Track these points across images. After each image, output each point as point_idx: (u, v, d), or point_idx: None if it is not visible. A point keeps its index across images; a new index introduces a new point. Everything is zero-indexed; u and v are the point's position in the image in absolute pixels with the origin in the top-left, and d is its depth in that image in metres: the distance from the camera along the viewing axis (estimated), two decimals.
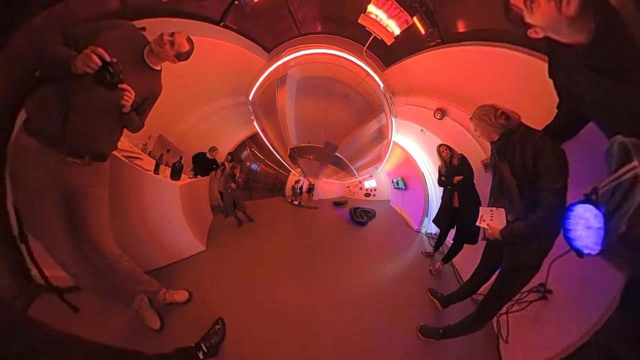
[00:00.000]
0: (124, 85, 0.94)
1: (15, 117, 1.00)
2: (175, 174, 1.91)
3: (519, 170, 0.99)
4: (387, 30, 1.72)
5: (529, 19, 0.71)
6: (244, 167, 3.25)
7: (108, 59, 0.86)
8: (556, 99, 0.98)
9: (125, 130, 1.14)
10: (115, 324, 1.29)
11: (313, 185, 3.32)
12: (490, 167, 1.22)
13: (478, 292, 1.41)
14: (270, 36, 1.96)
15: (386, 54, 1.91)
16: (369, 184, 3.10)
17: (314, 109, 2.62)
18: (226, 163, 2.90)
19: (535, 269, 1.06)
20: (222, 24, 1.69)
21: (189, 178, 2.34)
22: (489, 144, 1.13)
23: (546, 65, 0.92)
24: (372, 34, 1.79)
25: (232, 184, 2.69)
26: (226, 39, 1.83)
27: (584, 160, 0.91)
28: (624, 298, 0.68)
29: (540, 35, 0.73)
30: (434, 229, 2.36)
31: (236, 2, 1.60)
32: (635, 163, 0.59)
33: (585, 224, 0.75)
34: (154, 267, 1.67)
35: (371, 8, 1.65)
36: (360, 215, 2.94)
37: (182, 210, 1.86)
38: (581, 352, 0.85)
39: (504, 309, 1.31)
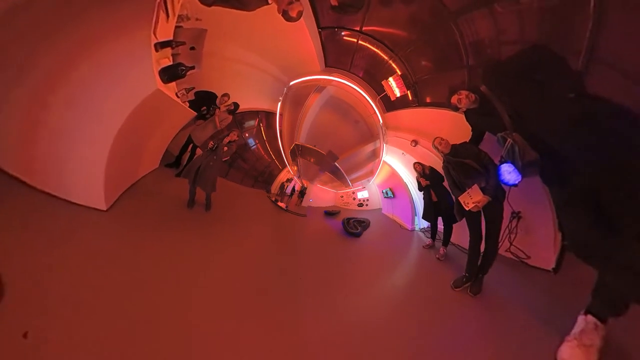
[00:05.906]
0: None
1: None
2: (171, 74, 1.39)
3: (470, 158, 2.00)
4: (394, 92, 3.18)
5: (459, 106, 1.96)
6: (241, 137, 2.70)
7: None
8: (469, 129, 2.26)
9: None
10: None
11: (306, 188, 3.02)
12: (444, 169, 2.19)
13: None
14: (334, 58, 3.11)
15: (389, 104, 3.31)
16: (362, 194, 3.27)
17: (330, 120, 3.35)
18: (218, 111, 2.28)
19: (503, 202, 1.87)
20: (319, 29, 2.70)
21: (176, 96, 1.82)
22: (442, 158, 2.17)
23: (464, 117, 2.24)
24: (385, 91, 3.24)
25: (211, 143, 1.94)
26: (312, 37, 2.71)
27: (492, 149, 1.95)
28: (543, 178, 1.57)
29: (464, 110, 1.99)
30: (425, 224, 2.84)
31: (336, 29, 2.77)
32: (472, 138, 1.88)
33: (507, 172, 1.66)
34: None
35: (390, 79, 3.16)
36: (354, 226, 2.68)
37: (122, 123, 1.14)
38: (559, 214, 1.60)
39: (507, 244, 1.97)
